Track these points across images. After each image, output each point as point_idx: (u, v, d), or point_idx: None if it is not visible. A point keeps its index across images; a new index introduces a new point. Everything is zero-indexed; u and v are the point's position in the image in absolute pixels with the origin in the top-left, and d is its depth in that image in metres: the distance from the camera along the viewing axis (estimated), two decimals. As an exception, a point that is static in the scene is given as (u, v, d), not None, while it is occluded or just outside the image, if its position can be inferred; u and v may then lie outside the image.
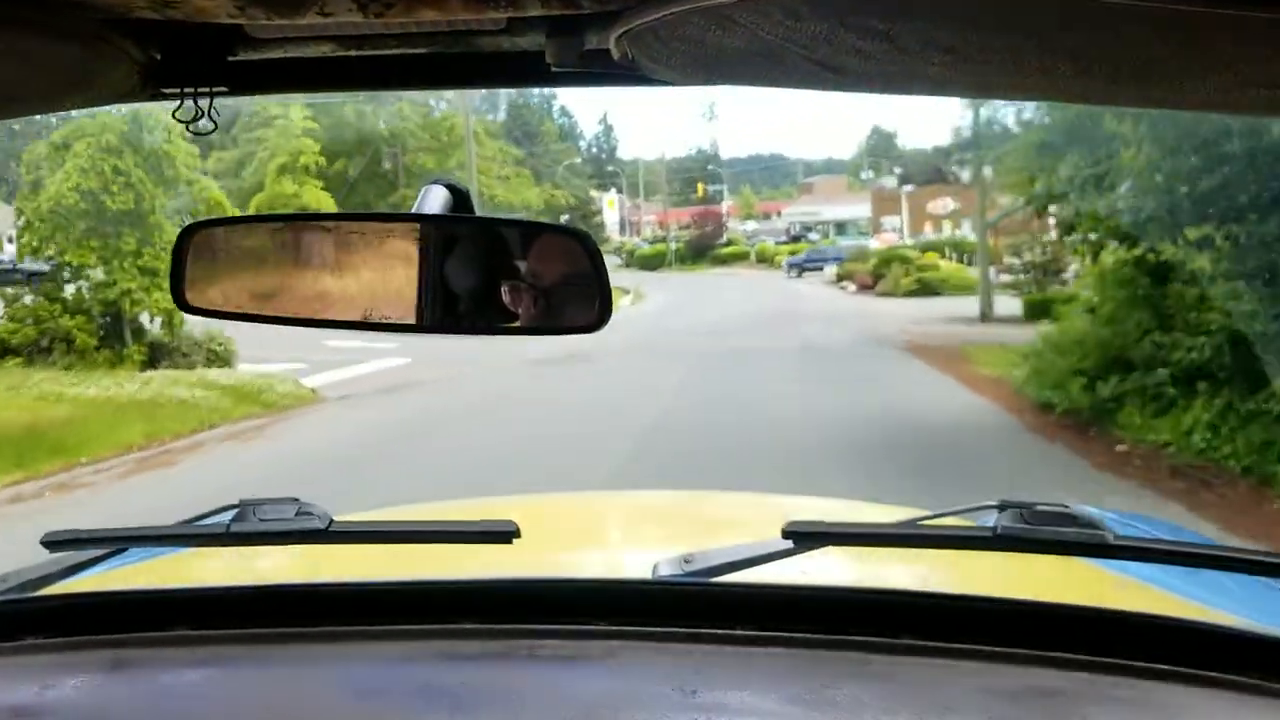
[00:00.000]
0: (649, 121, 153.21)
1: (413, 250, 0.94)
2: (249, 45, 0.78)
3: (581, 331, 0.93)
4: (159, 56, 0.77)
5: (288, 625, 0.90)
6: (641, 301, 31.19)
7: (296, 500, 0.97)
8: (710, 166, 76.34)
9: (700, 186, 71.14)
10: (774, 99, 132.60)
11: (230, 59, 0.78)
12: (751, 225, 66.35)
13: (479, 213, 0.99)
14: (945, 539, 0.98)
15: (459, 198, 0.93)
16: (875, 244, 49.01)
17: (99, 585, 1.19)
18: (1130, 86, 0.65)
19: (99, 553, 1.23)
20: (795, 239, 64.18)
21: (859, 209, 67.21)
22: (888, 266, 31.87)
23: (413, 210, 0.92)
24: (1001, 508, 0.91)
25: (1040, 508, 0.90)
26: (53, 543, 0.99)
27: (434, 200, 0.92)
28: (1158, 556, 0.97)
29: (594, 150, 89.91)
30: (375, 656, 0.85)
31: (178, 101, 0.80)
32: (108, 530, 1.04)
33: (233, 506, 0.98)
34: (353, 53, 0.80)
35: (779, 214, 73.74)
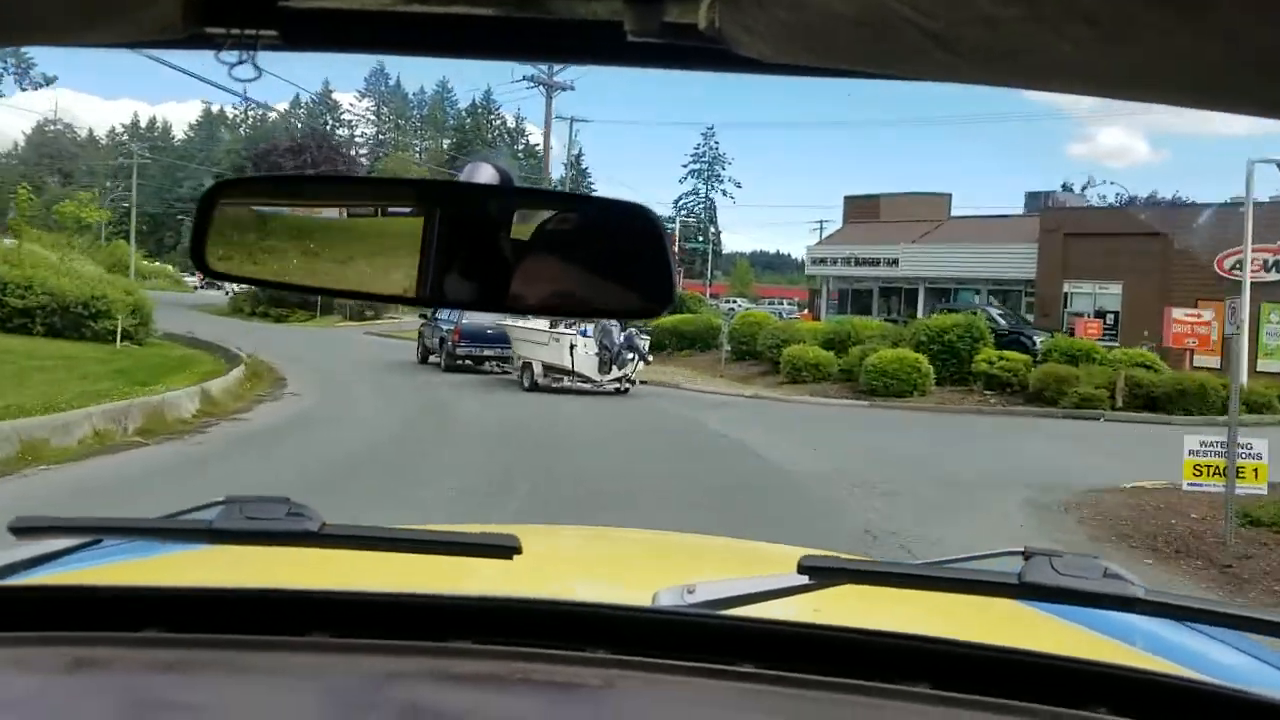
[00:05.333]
0: (627, 160, 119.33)
1: (424, 219, 0.87)
2: None
3: (634, 316, 0.82)
4: None
5: (267, 632, 0.86)
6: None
7: (288, 500, 0.93)
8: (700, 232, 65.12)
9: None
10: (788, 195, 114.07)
11: (281, 3, 0.74)
12: (742, 302, 43.95)
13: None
14: (967, 583, 0.93)
15: (504, 181, 0.88)
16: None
17: (69, 580, 1.12)
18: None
19: (72, 543, 1.17)
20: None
21: (996, 257, 29.41)
22: None
23: None
24: (1027, 555, 0.88)
25: (1068, 556, 0.86)
26: (21, 530, 0.94)
27: (478, 178, 0.88)
28: (1190, 615, 0.93)
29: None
30: (360, 670, 0.82)
31: (217, 47, 0.74)
32: (81, 520, 1.01)
33: (219, 503, 0.94)
34: (415, 8, 0.75)
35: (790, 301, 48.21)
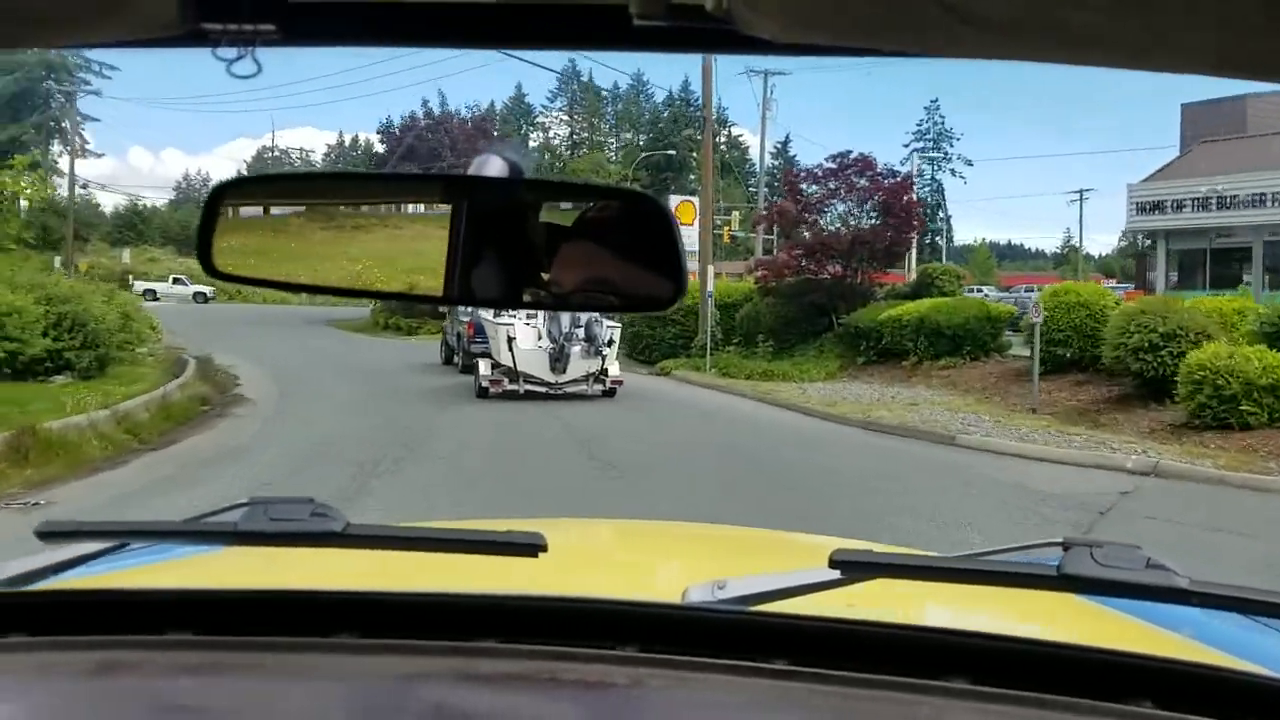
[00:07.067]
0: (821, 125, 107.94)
1: (446, 216, 0.87)
2: None
3: (644, 310, 0.87)
4: None
5: (293, 634, 0.86)
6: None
7: (312, 500, 0.93)
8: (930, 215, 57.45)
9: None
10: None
11: None
12: (989, 291, 36.69)
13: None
14: (1004, 576, 0.91)
15: (514, 172, 0.88)
16: None
17: (94, 584, 1.13)
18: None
19: (98, 547, 1.16)
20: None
21: None
22: None
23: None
24: (1066, 546, 0.87)
25: (1109, 547, 0.86)
26: (47, 534, 0.95)
27: (487, 171, 0.89)
28: (1240, 605, 0.91)
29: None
30: (386, 672, 0.82)
31: (215, 43, 0.74)
32: (107, 523, 1.01)
33: (244, 504, 0.95)
34: None
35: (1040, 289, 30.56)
